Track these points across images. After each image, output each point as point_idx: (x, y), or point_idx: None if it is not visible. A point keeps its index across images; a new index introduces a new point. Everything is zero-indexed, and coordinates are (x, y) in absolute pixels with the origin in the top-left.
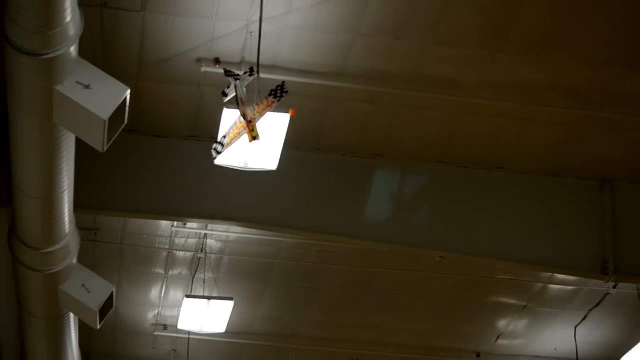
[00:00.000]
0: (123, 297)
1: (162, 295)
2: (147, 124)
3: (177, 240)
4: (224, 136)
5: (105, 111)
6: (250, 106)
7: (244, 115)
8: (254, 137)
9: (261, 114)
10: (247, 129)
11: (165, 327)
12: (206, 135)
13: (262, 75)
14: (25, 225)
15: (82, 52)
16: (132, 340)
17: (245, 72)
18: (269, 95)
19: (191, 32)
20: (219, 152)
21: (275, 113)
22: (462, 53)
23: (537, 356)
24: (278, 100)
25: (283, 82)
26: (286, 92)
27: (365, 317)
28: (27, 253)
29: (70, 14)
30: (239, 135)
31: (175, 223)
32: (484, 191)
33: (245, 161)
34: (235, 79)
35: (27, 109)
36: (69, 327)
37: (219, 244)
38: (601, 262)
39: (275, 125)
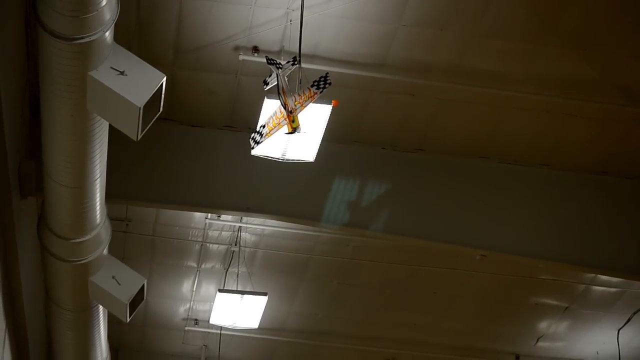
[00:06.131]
0: (154, 290)
1: (194, 289)
2: (182, 112)
3: (210, 233)
4: (263, 126)
5: (140, 98)
6: (292, 97)
7: (285, 105)
8: (294, 128)
9: (303, 105)
10: (287, 119)
11: (196, 322)
12: (243, 126)
13: (303, 65)
14: (56, 214)
15: (117, 38)
16: (162, 335)
17: (288, 62)
18: (312, 86)
19: (229, 19)
20: (257, 142)
21: (317, 104)
22: (507, 46)
23: None
24: (321, 92)
25: (327, 73)
26: (329, 83)
27: (401, 315)
28: (56, 243)
29: None
30: (278, 125)
31: (209, 215)
32: (528, 189)
33: (283, 152)
34: (278, 68)
35: (60, 95)
36: (98, 320)
37: (253, 238)
38: None
39: (316, 117)
